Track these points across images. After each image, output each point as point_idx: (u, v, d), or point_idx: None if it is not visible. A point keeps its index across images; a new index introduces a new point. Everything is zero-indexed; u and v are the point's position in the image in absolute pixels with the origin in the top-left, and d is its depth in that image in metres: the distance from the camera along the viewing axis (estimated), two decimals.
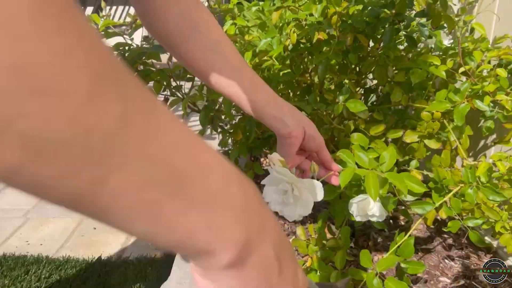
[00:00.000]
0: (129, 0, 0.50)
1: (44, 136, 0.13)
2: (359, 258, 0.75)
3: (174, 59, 0.66)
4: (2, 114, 0.12)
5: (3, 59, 0.12)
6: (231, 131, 1.10)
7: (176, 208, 0.17)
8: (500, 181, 0.81)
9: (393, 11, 0.89)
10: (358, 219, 0.64)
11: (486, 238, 1.09)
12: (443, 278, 1.02)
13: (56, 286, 1.15)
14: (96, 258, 1.27)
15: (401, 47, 1.04)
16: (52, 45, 0.13)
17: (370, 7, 0.91)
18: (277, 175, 0.43)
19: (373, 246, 1.11)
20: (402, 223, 1.26)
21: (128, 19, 1.23)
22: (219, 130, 1.08)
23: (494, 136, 1.10)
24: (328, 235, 0.95)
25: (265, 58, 1.00)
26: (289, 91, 1.08)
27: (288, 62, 1.03)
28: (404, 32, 0.93)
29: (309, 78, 1.06)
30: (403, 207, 1.00)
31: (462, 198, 0.78)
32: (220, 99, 1.05)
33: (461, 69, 0.89)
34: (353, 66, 1.01)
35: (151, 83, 0.98)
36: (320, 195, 0.42)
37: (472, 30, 1.05)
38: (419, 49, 1.04)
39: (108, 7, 2.43)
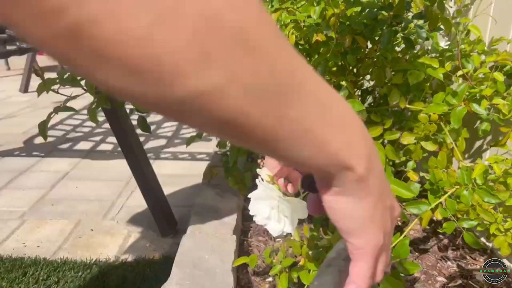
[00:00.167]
0: None
1: (257, 82, 0.17)
2: None
3: None
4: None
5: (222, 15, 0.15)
6: None
7: (328, 133, 0.22)
8: (495, 184, 0.82)
9: (391, 13, 0.90)
10: None
11: (481, 239, 1.10)
12: (441, 278, 1.03)
13: None
14: (94, 260, 1.26)
15: (398, 49, 1.05)
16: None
17: (368, 9, 0.92)
18: (264, 191, 0.44)
19: None
20: (399, 223, 1.27)
21: None
22: None
23: (490, 138, 1.11)
24: (324, 236, 0.96)
25: None
26: None
27: None
28: (401, 34, 0.93)
29: None
30: None
31: (458, 200, 0.79)
32: None
33: (459, 72, 0.90)
34: (351, 67, 1.02)
35: None
36: (304, 214, 0.44)
37: (468, 32, 1.06)
38: (415, 51, 1.05)
39: None
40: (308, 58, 1.04)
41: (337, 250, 0.33)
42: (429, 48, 1.07)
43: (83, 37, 0.14)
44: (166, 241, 1.38)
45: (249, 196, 0.45)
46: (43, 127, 0.93)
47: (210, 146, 2.20)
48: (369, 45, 1.01)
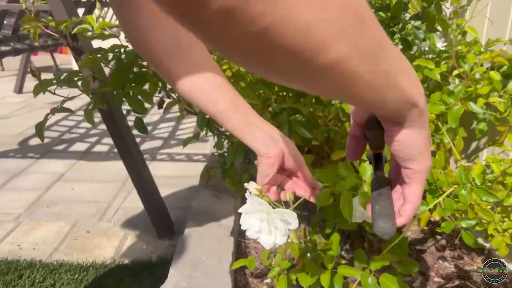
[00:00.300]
0: (115, 14, 0.50)
1: (366, 47, 0.23)
2: (353, 261, 0.76)
3: None
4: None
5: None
6: (227, 133, 1.10)
7: (403, 80, 0.27)
8: (493, 183, 0.82)
9: (389, 14, 0.90)
10: (353, 220, 0.64)
11: (479, 239, 1.11)
12: (438, 279, 1.03)
13: None
14: (90, 262, 1.25)
15: None
16: None
17: None
18: (253, 204, 0.45)
19: (369, 248, 1.12)
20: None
21: None
22: (215, 132, 1.08)
23: (486, 138, 1.12)
24: (322, 239, 0.95)
25: None
26: (285, 93, 1.08)
27: None
28: (399, 35, 0.94)
29: None
30: None
31: (456, 199, 0.79)
32: None
33: (455, 72, 0.90)
34: None
35: (146, 86, 0.97)
36: (294, 225, 0.45)
37: (465, 33, 1.07)
38: (412, 52, 1.05)
39: (105, 8, 2.41)
40: None
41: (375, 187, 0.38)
42: (426, 49, 1.08)
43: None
44: (163, 243, 1.37)
45: (239, 211, 0.46)
46: (40, 128, 0.92)
47: (206, 147, 2.19)
48: None
